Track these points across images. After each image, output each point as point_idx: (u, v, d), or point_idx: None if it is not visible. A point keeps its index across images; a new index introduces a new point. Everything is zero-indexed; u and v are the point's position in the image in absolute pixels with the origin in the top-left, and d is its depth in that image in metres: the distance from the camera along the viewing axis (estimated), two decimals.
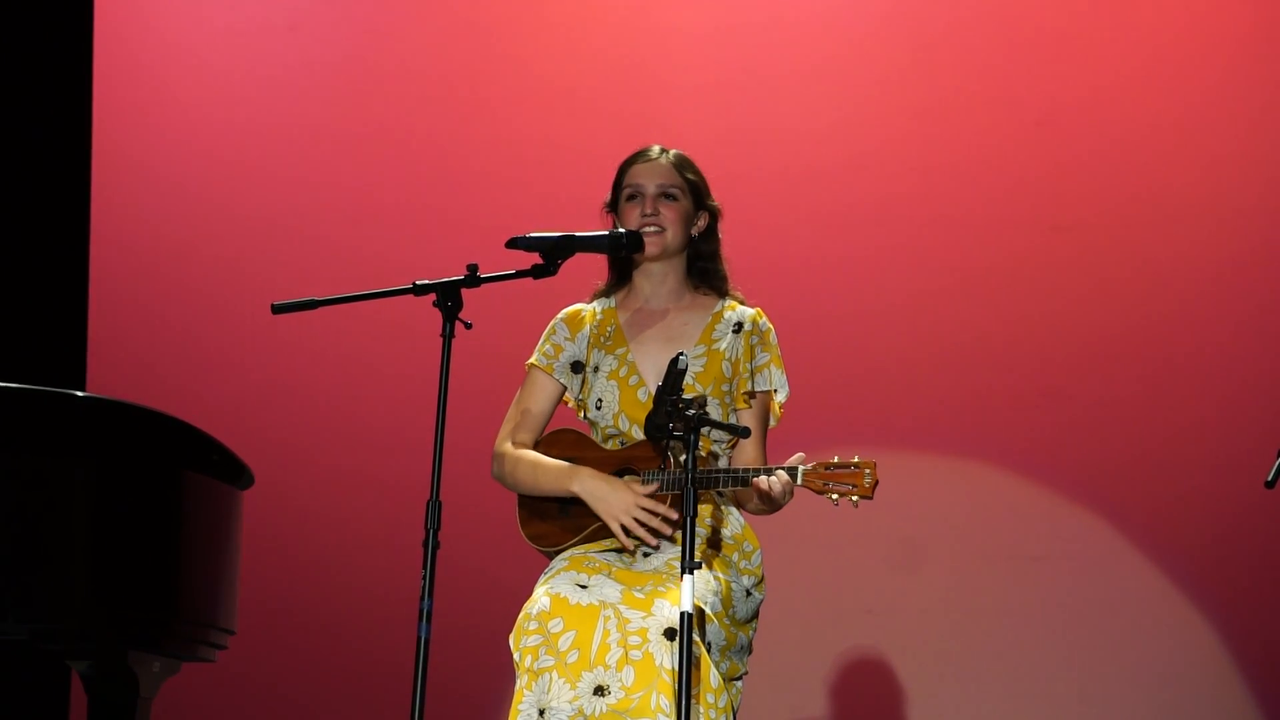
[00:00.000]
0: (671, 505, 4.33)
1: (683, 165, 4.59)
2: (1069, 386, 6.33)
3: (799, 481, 4.21)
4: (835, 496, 4.19)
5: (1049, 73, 6.44)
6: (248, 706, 6.53)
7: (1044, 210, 6.40)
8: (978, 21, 6.48)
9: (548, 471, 4.44)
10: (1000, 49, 6.46)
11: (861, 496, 4.18)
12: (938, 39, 6.49)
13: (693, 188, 4.58)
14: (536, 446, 4.55)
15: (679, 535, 4.26)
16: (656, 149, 4.61)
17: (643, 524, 4.31)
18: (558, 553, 4.43)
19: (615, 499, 4.35)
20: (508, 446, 4.54)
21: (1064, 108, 6.42)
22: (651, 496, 4.33)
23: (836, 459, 4.20)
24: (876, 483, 4.19)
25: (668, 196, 4.54)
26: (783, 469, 4.23)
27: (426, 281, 4.17)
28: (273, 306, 4.27)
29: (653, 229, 4.50)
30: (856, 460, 4.19)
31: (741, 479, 4.26)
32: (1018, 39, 6.46)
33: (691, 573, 3.88)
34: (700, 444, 4.04)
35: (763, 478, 4.22)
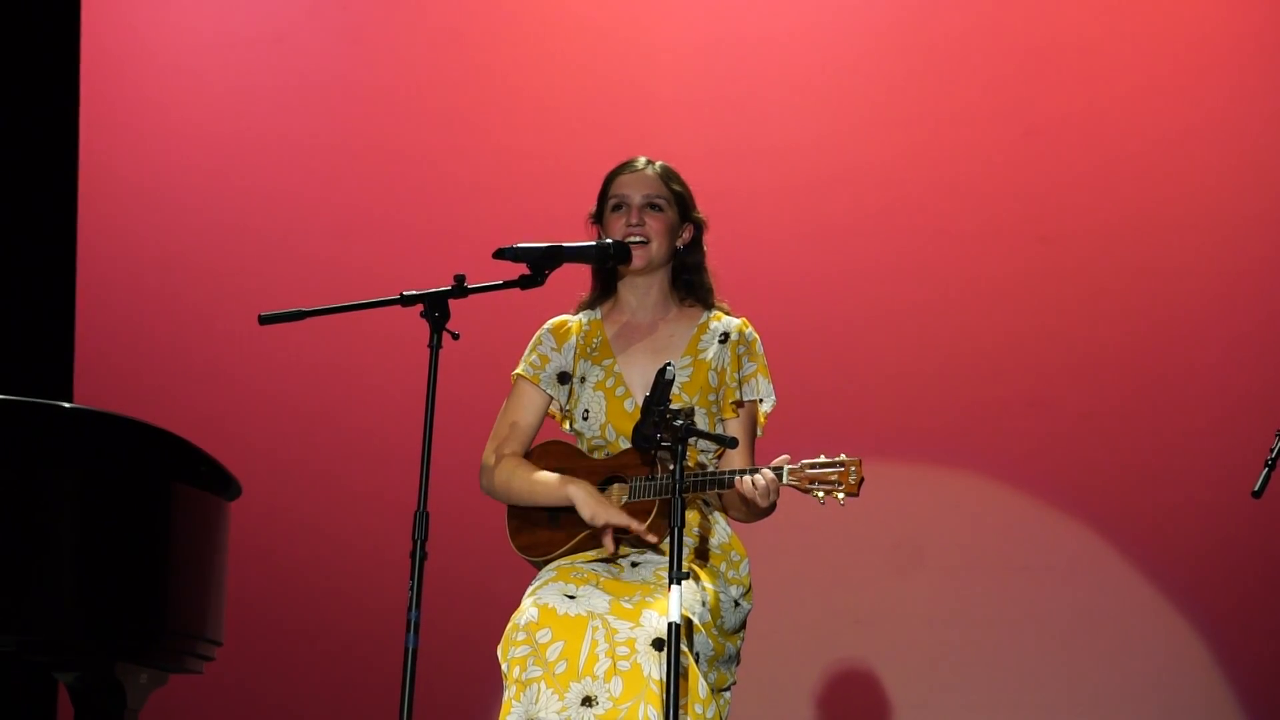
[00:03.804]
0: (652, 527, 4.32)
1: (668, 176, 4.59)
2: (1059, 397, 6.34)
3: (784, 480, 4.19)
4: (821, 494, 4.17)
5: (1037, 84, 6.45)
6: (235, 718, 6.52)
7: (1033, 221, 6.41)
8: (968, 34, 6.48)
9: (545, 483, 4.44)
10: (990, 60, 6.47)
11: (847, 494, 4.15)
12: (927, 52, 6.50)
13: (678, 199, 4.58)
14: (527, 459, 4.54)
15: (665, 545, 4.26)
16: (642, 160, 4.61)
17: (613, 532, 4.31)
18: (547, 563, 4.43)
19: (599, 505, 4.34)
20: (496, 460, 4.53)
21: (1052, 119, 6.43)
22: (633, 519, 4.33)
23: (822, 457, 4.19)
24: (862, 480, 4.16)
25: (653, 207, 4.54)
26: (768, 469, 4.22)
27: (414, 292, 4.17)
28: (260, 317, 4.27)
29: (638, 239, 4.50)
30: (842, 458, 4.17)
31: (725, 480, 4.25)
32: (1008, 50, 6.47)
33: (679, 583, 3.87)
34: (688, 454, 4.04)
35: (746, 478, 4.21)
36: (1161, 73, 6.41)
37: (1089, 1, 6.45)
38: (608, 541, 4.33)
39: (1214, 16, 6.40)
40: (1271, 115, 6.36)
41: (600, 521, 4.31)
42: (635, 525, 4.30)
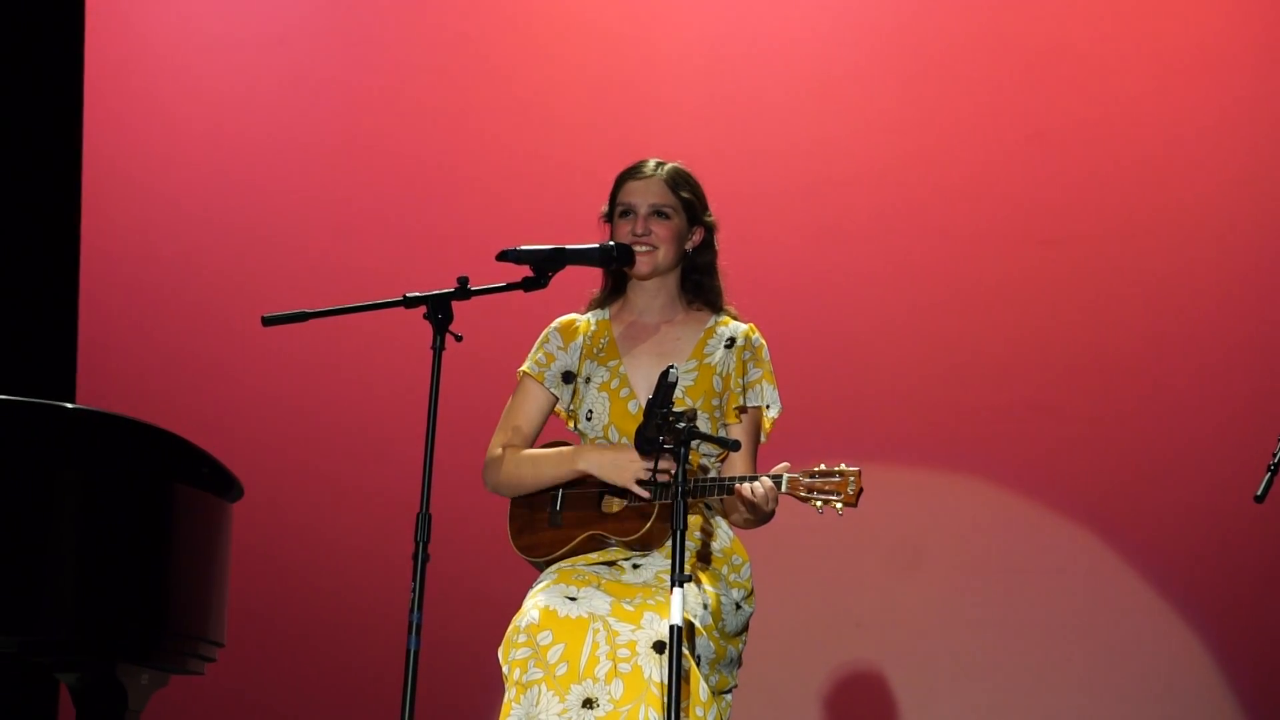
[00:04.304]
0: (652, 530, 4.33)
1: (677, 183, 4.56)
2: (1061, 401, 6.33)
3: (783, 489, 4.20)
4: (819, 504, 4.17)
5: (1041, 88, 6.45)
6: (235, 719, 6.52)
7: (1037, 225, 6.41)
8: (972, 38, 6.49)
9: (550, 460, 4.44)
10: (994, 64, 6.47)
11: (845, 504, 4.16)
12: (932, 55, 6.50)
13: (686, 205, 4.56)
14: None
15: (668, 546, 4.26)
16: (652, 164, 4.59)
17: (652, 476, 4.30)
18: (548, 564, 4.43)
19: (624, 463, 4.33)
20: (501, 452, 4.53)
21: (1057, 122, 6.43)
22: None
23: (822, 466, 4.19)
24: (861, 490, 4.16)
25: (660, 215, 4.53)
26: (767, 476, 4.22)
27: (417, 294, 4.18)
28: (263, 319, 4.27)
29: (643, 248, 4.50)
30: (841, 468, 4.17)
31: (726, 486, 4.25)
32: (1012, 55, 6.47)
33: (681, 585, 3.87)
34: (690, 457, 4.03)
35: (747, 484, 4.21)
36: (1165, 78, 6.41)
37: (1092, 6, 6.45)
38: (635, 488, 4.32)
39: (1216, 21, 6.40)
40: (1274, 120, 6.36)
41: (626, 481, 4.31)
42: (664, 465, 4.26)
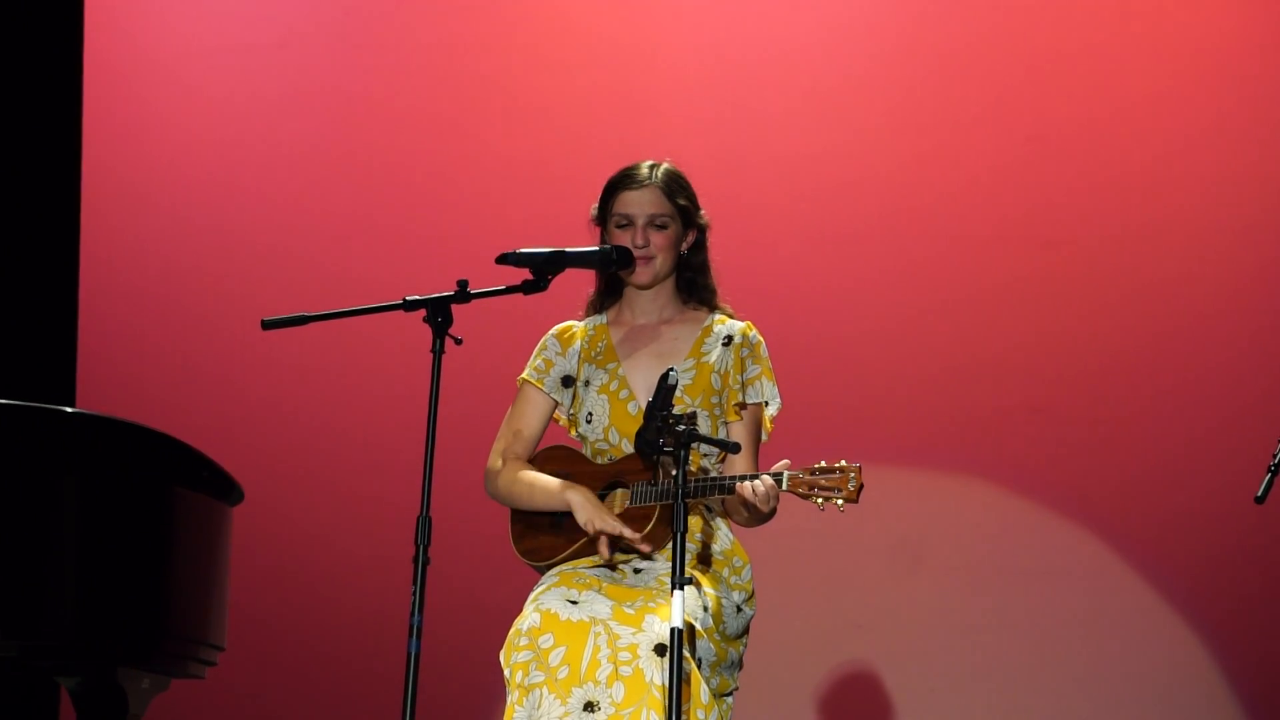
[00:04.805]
0: (650, 535, 4.32)
1: (672, 190, 4.55)
2: (1062, 403, 6.33)
3: (784, 486, 4.19)
4: (820, 501, 4.16)
5: (1042, 91, 6.44)
6: None
7: (1037, 228, 6.40)
8: (973, 41, 6.48)
9: (544, 489, 4.45)
10: (994, 67, 6.47)
11: (846, 500, 4.15)
12: (931, 59, 6.50)
13: (683, 211, 4.55)
14: (531, 464, 4.54)
15: (666, 550, 4.27)
16: (645, 169, 4.57)
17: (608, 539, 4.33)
18: (549, 567, 4.43)
19: (594, 513, 4.34)
20: (501, 464, 4.53)
21: (1056, 126, 6.42)
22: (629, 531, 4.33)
23: (822, 463, 4.18)
24: (861, 486, 4.15)
25: (658, 225, 4.53)
26: (768, 475, 4.22)
27: (416, 297, 4.18)
28: (263, 322, 4.28)
29: (643, 258, 4.50)
30: (842, 464, 4.17)
31: (726, 486, 4.25)
32: (1012, 57, 6.46)
33: (682, 588, 3.87)
34: (690, 459, 4.04)
35: (747, 483, 4.21)
36: (1166, 79, 6.40)
37: (1094, 9, 6.45)
38: (603, 548, 4.33)
39: (1218, 23, 6.40)
40: (1276, 121, 6.36)
41: (595, 528, 4.32)
42: (628, 533, 4.30)
